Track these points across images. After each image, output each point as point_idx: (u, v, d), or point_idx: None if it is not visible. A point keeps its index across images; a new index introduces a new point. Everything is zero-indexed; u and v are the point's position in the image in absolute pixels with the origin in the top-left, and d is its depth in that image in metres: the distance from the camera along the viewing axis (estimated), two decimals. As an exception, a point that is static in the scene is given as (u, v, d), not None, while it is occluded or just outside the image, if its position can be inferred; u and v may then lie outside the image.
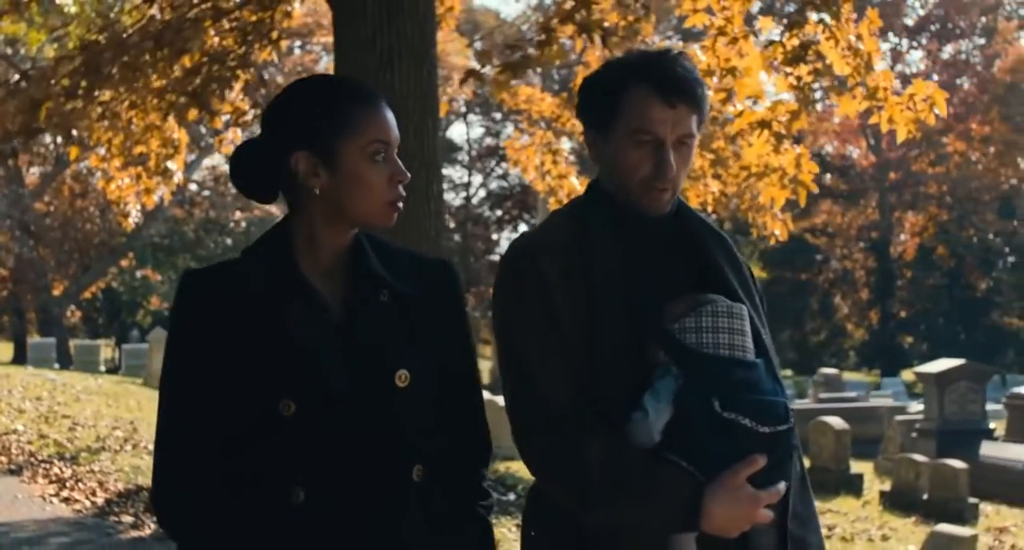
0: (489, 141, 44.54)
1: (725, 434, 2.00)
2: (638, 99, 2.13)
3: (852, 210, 44.83)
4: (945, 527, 7.31)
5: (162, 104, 9.19)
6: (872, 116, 7.08)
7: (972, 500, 10.50)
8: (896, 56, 46.54)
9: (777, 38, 6.86)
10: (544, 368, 2.09)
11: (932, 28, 45.96)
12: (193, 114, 8.69)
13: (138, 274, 35.66)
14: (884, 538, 8.89)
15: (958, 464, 10.56)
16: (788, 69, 6.74)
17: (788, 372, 34.97)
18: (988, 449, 12.59)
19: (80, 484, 8.88)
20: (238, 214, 34.18)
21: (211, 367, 1.98)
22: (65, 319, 31.83)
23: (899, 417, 14.20)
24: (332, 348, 2.00)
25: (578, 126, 12.89)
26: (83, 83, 8.09)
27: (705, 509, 1.97)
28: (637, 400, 2.04)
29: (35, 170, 32.00)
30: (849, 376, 37.73)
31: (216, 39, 8.34)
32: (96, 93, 8.60)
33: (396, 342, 2.04)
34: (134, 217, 12.79)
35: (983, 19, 45.49)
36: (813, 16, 6.69)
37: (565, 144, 14.23)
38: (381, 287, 2.07)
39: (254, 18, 8.40)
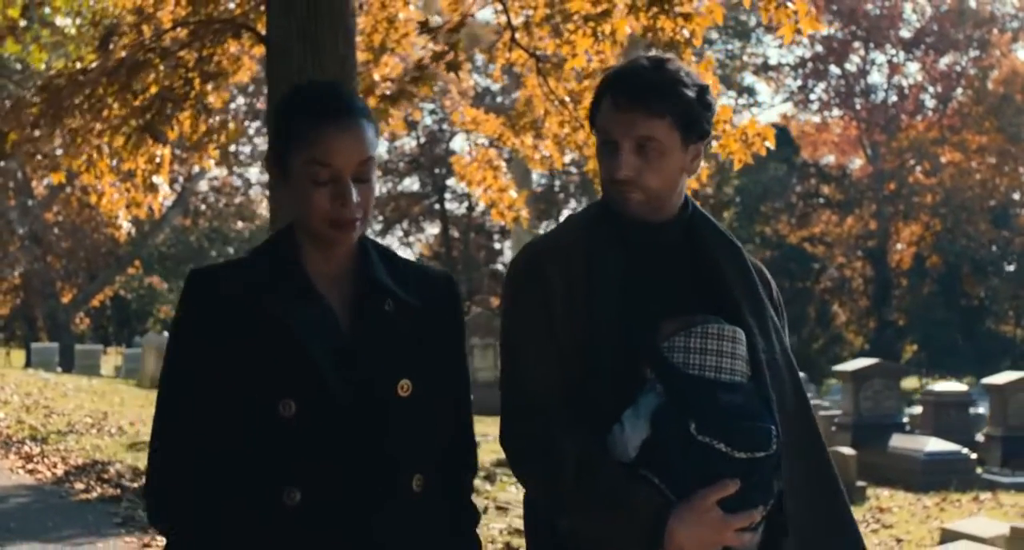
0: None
1: (699, 457, 2.01)
2: (605, 109, 2.20)
3: (849, 219, 45.53)
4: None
5: (126, 130, 10.35)
6: (716, 144, 8.23)
7: (860, 484, 11.58)
8: (893, 68, 47.28)
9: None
10: (536, 372, 2.13)
11: (927, 40, 46.53)
12: (149, 142, 9.90)
13: (145, 282, 36.59)
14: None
15: (848, 451, 11.64)
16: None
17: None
18: (898, 441, 13.55)
19: (45, 459, 10.12)
20: (240, 224, 35.18)
21: (212, 364, 1.97)
22: (73, 326, 32.89)
23: (822, 413, 15.27)
24: (335, 353, 1.99)
25: (517, 145, 13.95)
26: (50, 111, 9.27)
27: (669, 530, 1.99)
28: (620, 414, 2.07)
29: (46, 181, 33.11)
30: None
31: (163, 75, 9.52)
32: (65, 121, 9.77)
33: (399, 351, 2.04)
34: (126, 228, 14.01)
35: (978, 32, 46.08)
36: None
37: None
38: (386, 296, 2.06)
39: (196, 55, 9.57)
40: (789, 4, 7.91)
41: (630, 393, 2.08)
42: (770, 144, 8.03)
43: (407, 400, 2.00)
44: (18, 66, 26.29)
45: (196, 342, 1.99)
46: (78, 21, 14.81)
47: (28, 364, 28.32)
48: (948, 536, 8.83)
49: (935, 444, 13.09)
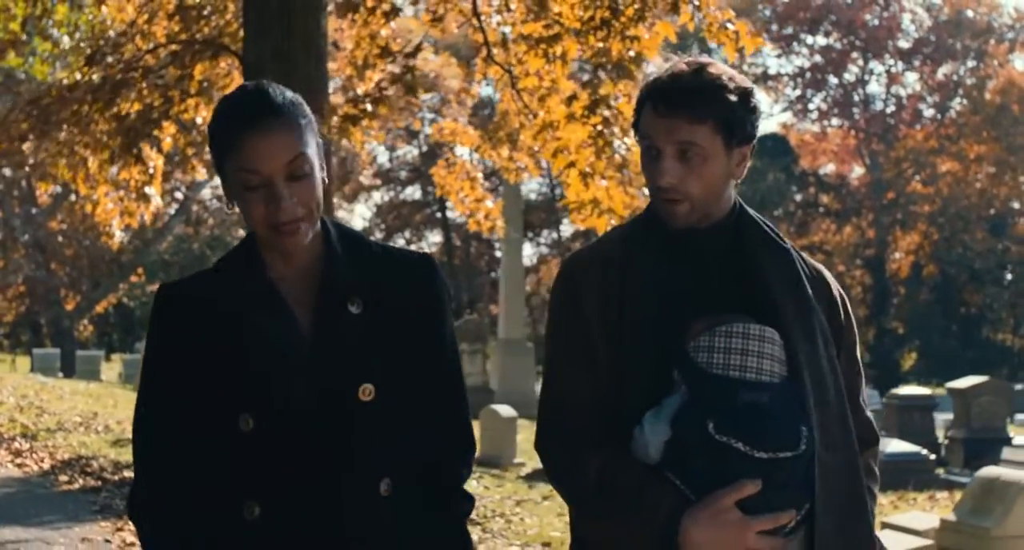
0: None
1: (717, 456, 1.97)
2: (646, 115, 2.16)
3: (848, 228, 45.85)
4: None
5: (111, 144, 10.92)
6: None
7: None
8: (891, 78, 47.61)
9: (576, 95, 8.57)
10: (567, 379, 2.15)
11: (925, 51, 46.84)
12: (133, 155, 10.49)
13: (148, 290, 37.04)
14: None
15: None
16: (586, 118, 8.43)
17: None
18: (863, 442, 14.05)
19: (34, 454, 10.72)
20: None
21: (180, 381, 1.98)
22: (77, 332, 33.35)
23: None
24: (295, 361, 1.97)
25: (494, 156, 14.48)
26: (38, 126, 9.85)
27: (683, 530, 1.96)
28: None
29: (51, 189, 33.56)
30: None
31: (144, 94, 10.10)
32: (53, 135, 10.35)
33: (362, 355, 2.00)
34: (119, 237, 14.56)
35: (975, 42, 46.37)
36: (604, 76, 8.43)
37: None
38: (351, 296, 2.02)
39: (178, 73, 10.14)
40: (730, 25, 8.44)
41: (661, 400, 2.07)
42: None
43: (370, 404, 1.97)
44: (23, 76, 26.78)
45: (164, 360, 2.01)
46: (77, 35, 15.40)
47: (33, 370, 28.77)
48: (884, 528, 9.31)
49: (896, 445, 13.51)
